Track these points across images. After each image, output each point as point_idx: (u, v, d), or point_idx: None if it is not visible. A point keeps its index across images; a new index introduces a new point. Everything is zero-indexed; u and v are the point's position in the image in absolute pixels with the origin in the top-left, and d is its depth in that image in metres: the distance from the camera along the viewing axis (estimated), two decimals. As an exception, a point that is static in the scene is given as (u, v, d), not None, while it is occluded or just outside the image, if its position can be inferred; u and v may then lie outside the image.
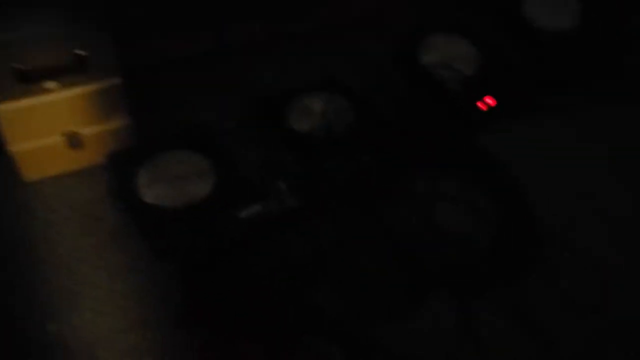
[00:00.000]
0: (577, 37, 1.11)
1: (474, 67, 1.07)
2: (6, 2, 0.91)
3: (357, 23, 1.17)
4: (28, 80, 0.92)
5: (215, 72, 1.10)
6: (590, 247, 0.93)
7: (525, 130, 1.07)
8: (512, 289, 0.88)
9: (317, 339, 0.81)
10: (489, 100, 1.04)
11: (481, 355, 0.82)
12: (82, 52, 0.94)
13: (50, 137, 0.98)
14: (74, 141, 0.99)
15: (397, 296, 0.87)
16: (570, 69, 1.13)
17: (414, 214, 0.95)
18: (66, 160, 1.00)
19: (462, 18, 1.11)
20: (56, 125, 0.98)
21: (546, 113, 1.09)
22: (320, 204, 0.92)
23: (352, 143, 0.97)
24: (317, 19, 1.16)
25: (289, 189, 0.90)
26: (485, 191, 0.98)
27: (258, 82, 1.09)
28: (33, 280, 0.84)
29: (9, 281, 0.83)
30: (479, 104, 1.04)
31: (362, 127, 0.99)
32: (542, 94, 1.11)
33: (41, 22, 0.93)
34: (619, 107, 1.12)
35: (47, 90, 0.94)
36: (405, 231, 0.93)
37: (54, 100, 0.95)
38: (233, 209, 0.87)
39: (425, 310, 0.85)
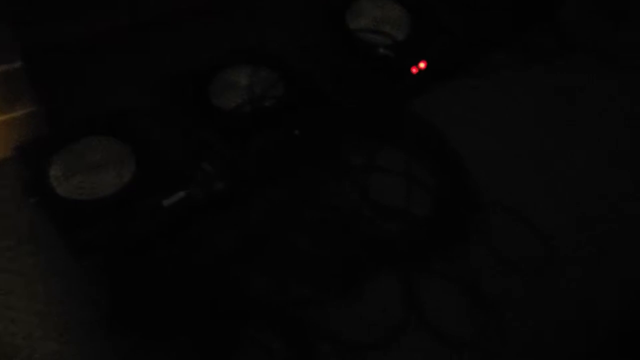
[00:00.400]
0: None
1: (405, 31, 1.04)
2: None
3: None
4: None
5: (131, 49, 1.02)
6: (530, 209, 0.91)
7: (458, 93, 1.04)
8: (454, 259, 0.86)
9: (256, 330, 0.77)
10: (421, 64, 1.00)
11: (428, 330, 0.80)
12: (-25, 35, 0.86)
13: (-54, 131, 0.89)
14: (-25, 134, 0.91)
15: (338, 277, 0.83)
16: (505, 27, 1.11)
17: (351, 188, 0.91)
18: (-32, 155, 0.92)
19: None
20: (-48, 118, 0.89)
21: (480, 75, 1.07)
22: (250, 184, 0.87)
23: (283, 117, 0.93)
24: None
25: (215, 171, 0.85)
26: (422, 160, 0.95)
27: (178, 58, 1.01)
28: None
29: None
30: (411, 68, 1.00)
31: (292, 100, 0.94)
32: (476, 55, 1.08)
33: None
34: (551, 62, 1.10)
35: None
36: (343, 207, 0.89)
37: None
38: (156, 198, 0.82)
39: (368, 290, 0.82)
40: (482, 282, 0.84)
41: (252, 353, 0.75)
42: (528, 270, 0.86)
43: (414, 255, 0.86)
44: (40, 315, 0.76)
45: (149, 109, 0.92)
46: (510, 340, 0.80)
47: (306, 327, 0.77)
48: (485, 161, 0.96)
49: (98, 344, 0.74)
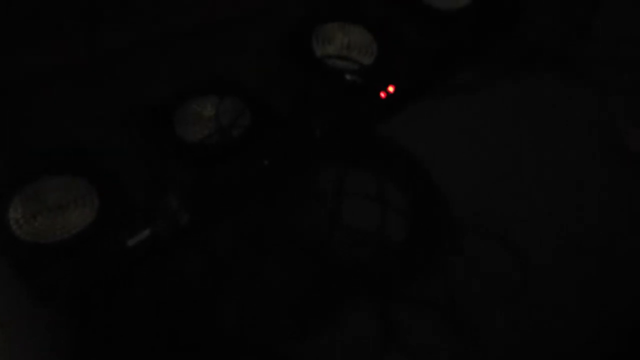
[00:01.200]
0: (473, 13, 1.08)
1: (373, 56, 1.03)
2: None
3: (245, 16, 1.09)
4: None
5: (91, 83, 1.00)
6: (505, 231, 0.90)
7: (428, 114, 1.03)
8: (431, 284, 0.84)
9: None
10: (389, 88, 0.99)
11: (407, 356, 0.78)
12: None
13: None
14: None
15: (309, 307, 0.81)
16: (470, 46, 1.11)
17: (321, 215, 0.89)
18: None
19: (354, 4, 1.06)
20: None
21: (449, 93, 1.06)
22: (217, 216, 0.85)
23: (250, 147, 0.91)
24: (197, 17, 1.07)
25: (181, 205, 0.82)
26: (393, 183, 0.94)
27: (140, 90, 0.99)
28: None
29: None
30: (380, 93, 0.99)
31: (259, 129, 0.92)
32: (442, 75, 1.08)
33: None
34: (520, 77, 1.10)
35: None
36: (313, 234, 0.87)
37: None
38: (120, 237, 0.79)
39: (342, 320, 0.80)
40: (460, 306, 0.82)
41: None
42: (507, 292, 0.84)
43: (390, 280, 0.84)
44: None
45: (112, 144, 0.89)
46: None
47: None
48: (460, 181, 0.94)
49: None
